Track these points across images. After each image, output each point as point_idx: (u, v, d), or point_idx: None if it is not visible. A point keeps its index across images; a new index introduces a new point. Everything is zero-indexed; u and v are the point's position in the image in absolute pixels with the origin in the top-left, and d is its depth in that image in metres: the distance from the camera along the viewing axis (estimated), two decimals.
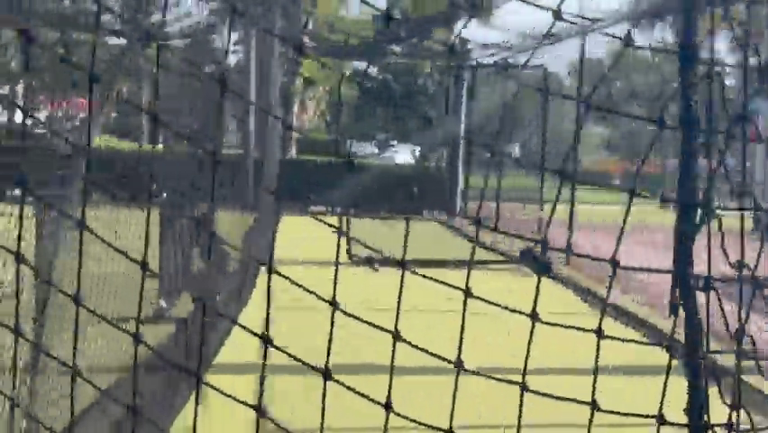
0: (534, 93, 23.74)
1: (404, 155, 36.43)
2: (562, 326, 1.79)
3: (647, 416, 1.71)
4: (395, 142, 39.73)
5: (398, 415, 1.69)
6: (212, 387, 1.77)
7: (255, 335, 1.73)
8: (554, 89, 27.41)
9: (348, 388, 1.69)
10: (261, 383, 1.85)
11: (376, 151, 38.31)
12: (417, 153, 37.66)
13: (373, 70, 44.28)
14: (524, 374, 1.74)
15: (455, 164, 24.48)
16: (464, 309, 1.75)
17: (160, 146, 8.88)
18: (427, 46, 25.66)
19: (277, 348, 1.68)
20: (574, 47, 17.25)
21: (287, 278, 1.76)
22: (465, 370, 1.72)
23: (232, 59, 16.25)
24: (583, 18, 13.03)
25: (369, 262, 11.76)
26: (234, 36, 16.11)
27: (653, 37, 37.02)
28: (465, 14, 22.60)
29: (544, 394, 1.73)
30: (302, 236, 12.67)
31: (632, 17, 14.01)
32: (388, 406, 1.72)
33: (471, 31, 22.77)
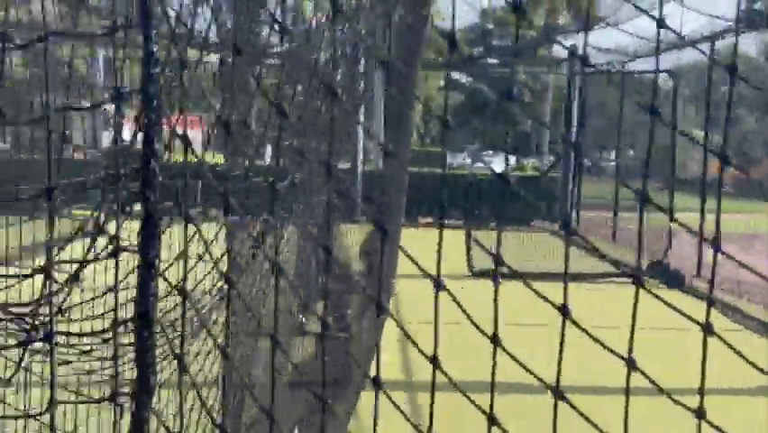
0: (636, 99, 23.28)
1: (498, 165, 36.12)
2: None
3: None
4: (489, 152, 39.45)
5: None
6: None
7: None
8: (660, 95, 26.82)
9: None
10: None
11: (468, 161, 38.05)
12: (512, 163, 37.32)
13: (467, 80, 44.15)
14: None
15: (567, 173, 24.09)
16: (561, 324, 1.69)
17: (266, 161, 8.96)
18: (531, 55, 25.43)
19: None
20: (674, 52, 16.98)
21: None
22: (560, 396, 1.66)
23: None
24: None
25: (489, 274, 11.68)
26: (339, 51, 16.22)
27: (764, 39, 35.83)
28: (573, 28, 22.34)
29: None
30: (410, 248, 12.63)
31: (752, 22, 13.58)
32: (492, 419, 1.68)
33: (581, 36, 22.44)
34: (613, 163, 27.51)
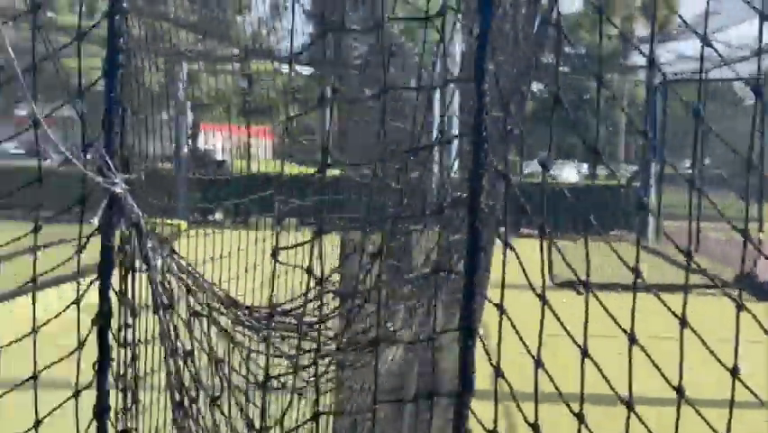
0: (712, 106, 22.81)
1: (569, 173, 35.64)
2: None
3: None
4: (560, 160, 38.96)
5: None
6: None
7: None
8: (734, 101, 26.26)
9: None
10: None
11: (538, 169, 37.47)
12: (584, 171, 36.75)
13: (538, 87, 43.65)
14: None
15: (646, 182, 23.68)
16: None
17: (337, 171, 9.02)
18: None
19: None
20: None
21: None
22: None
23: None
24: None
25: (572, 284, 11.55)
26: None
27: None
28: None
29: None
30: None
31: None
32: None
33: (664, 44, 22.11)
34: (687, 172, 26.97)
